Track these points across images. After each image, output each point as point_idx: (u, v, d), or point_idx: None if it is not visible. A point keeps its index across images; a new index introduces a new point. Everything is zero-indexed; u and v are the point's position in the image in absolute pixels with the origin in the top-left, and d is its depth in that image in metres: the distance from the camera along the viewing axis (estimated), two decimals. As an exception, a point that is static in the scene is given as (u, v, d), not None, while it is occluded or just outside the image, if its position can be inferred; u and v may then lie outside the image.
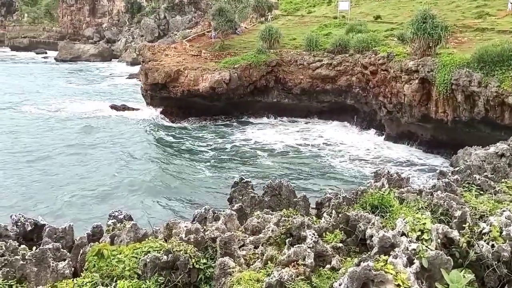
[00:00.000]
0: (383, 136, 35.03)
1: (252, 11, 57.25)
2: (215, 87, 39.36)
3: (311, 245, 5.88)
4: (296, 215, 7.42)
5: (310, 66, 40.30)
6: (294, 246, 5.88)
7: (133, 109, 44.44)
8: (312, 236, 6.00)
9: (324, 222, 6.86)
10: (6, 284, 5.69)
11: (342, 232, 6.71)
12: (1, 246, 6.35)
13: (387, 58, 33.70)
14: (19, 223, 7.51)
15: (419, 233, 5.28)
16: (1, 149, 31.13)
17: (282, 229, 6.63)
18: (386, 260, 4.74)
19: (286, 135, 36.66)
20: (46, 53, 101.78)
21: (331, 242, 6.40)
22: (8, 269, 5.90)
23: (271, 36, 41.94)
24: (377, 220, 6.35)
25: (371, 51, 36.42)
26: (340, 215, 7.01)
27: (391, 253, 4.89)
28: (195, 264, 5.85)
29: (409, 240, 5.06)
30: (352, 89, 38.70)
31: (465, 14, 41.08)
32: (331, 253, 6.03)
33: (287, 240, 6.34)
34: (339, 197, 8.13)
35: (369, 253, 5.50)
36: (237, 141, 35.03)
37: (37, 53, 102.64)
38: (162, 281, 5.68)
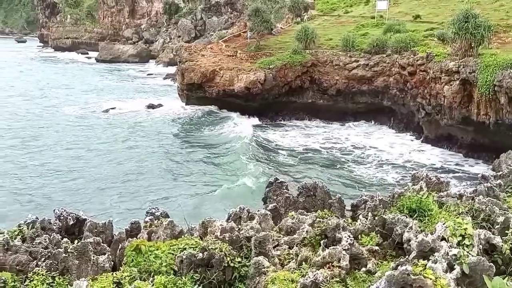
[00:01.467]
0: (421, 139, 34.19)
1: (288, 11, 57.12)
2: (250, 88, 39.52)
3: (346, 247, 5.83)
4: (331, 216, 7.35)
5: (346, 66, 39.84)
6: (329, 248, 5.84)
7: (169, 108, 45.19)
8: (348, 238, 5.94)
9: (360, 224, 6.78)
10: (49, 276, 5.91)
11: (378, 235, 6.61)
12: (45, 239, 6.61)
13: (426, 59, 32.89)
14: (61, 217, 7.78)
15: (460, 238, 5.13)
16: (48, 148, 32.09)
17: (317, 230, 6.59)
18: (425, 265, 4.63)
19: (320, 136, 36.38)
20: (87, 53, 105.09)
21: (367, 245, 6.31)
22: (51, 261, 6.13)
23: (307, 36, 41.72)
24: (415, 224, 6.22)
25: (410, 52, 35.65)
26: (376, 218, 6.91)
27: (430, 258, 4.78)
28: (230, 262, 5.90)
29: (450, 245, 4.93)
30: (389, 90, 37.98)
31: (509, 13, 39.55)
32: (366, 256, 5.96)
33: (322, 242, 6.30)
34: (375, 200, 8.00)
35: (406, 257, 5.39)
36: (271, 141, 35.04)
37: (78, 54, 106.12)
38: (198, 278, 5.76)
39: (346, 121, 40.42)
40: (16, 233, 7.08)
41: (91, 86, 61.70)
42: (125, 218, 15.60)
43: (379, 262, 6.00)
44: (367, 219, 6.93)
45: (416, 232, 5.90)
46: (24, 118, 41.82)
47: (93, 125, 39.29)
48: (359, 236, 6.55)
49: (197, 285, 5.69)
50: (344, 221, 7.10)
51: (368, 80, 39.09)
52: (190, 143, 34.25)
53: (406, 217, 6.67)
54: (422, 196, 7.42)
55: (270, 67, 40.10)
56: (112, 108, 45.43)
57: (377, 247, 6.28)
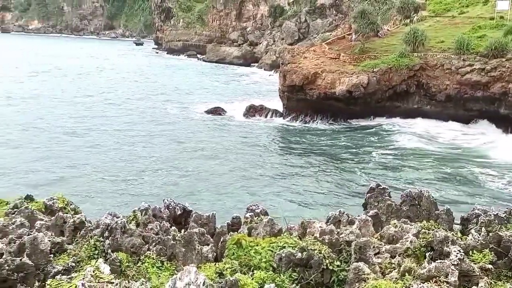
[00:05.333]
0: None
1: (397, 12, 54.95)
2: (352, 91, 38.76)
3: (455, 262, 5.46)
4: (438, 228, 6.94)
5: (458, 71, 37.30)
6: (436, 261, 5.52)
7: (269, 109, 45.86)
8: (457, 253, 5.56)
9: (471, 239, 6.30)
10: (158, 260, 6.38)
11: (492, 252, 6.09)
12: (156, 226, 7.12)
13: (554, 64, 29.56)
14: (170, 207, 8.31)
15: None
16: (162, 147, 33.97)
17: (422, 241, 6.27)
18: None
19: (426, 143, 34.47)
20: (196, 55, 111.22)
21: (479, 262, 5.85)
22: (161, 246, 6.59)
23: (415, 38, 39.84)
24: (537, 245, 5.62)
25: (534, 55, 32.34)
26: (490, 234, 6.38)
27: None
28: (328, 265, 5.85)
29: None
30: (508, 97, 34.78)
31: None
32: (478, 274, 5.52)
33: (427, 254, 5.98)
34: (490, 215, 7.38)
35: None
36: (372, 145, 34.03)
37: (188, 56, 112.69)
38: (296, 278, 5.80)
39: (455, 128, 37.79)
40: (131, 218, 7.72)
41: (196, 86, 65.05)
42: (227, 212, 16.20)
43: (492, 282, 5.53)
44: (479, 234, 6.42)
45: (539, 254, 5.33)
46: (133, 115, 45.19)
47: (196, 125, 41.22)
48: (470, 252, 6.09)
49: (294, 284, 5.73)
50: (452, 234, 6.66)
51: (483, 86, 36.22)
52: (293, 148, 34.15)
53: (526, 236, 6.07)
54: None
55: (374, 70, 38.96)
56: (215, 108, 47.33)
57: (490, 266, 5.79)
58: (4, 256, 5.45)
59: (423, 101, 39.64)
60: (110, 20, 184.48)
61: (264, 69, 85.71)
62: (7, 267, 5.42)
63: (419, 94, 39.60)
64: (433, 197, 9.05)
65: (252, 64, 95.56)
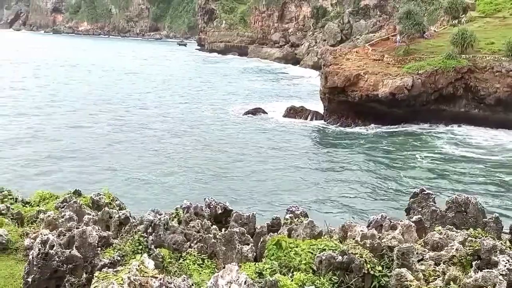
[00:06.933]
0: None
1: (444, 13, 53.28)
2: (395, 93, 37.93)
3: (504, 272, 5.25)
4: (486, 236, 6.69)
5: (510, 73, 35.78)
6: (483, 271, 5.33)
7: (310, 111, 45.54)
8: (507, 263, 5.35)
9: (521, 249, 6.04)
10: (199, 257, 6.50)
11: (544, 264, 5.80)
12: (198, 224, 7.26)
13: None
14: (211, 206, 8.44)
15: None
16: (202, 146, 34.30)
17: (469, 249, 6.07)
18: None
19: (473, 149, 33.23)
20: (236, 54, 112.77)
21: (530, 274, 5.59)
22: (202, 244, 6.72)
23: (464, 40, 38.52)
24: None
25: None
26: (542, 245, 6.09)
27: None
28: (370, 270, 5.77)
29: None
30: None
31: None
32: (528, 285, 5.28)
33: (473, 263, 5.79)
34: (542, 225, 7.05)
35: None
36: (415, 150, 33.15)
37: (230, 55, 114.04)
38: (336, 281, 5.75)
39: (506, 133, 36.24)
40: (173, 215, 7.91)
41: (237, 86, 65.55)
42: (266, 212, 16.26)
43: (544, 295, 5.28)
44: (530, 244, 6.14)
45: None
46: (176, 114, 46.04)
47: (236, 125, 41.51)
48: (520, 262, 5.83)
49: (334, 288, 5.69)
50: (501, 243, 6.40)
51: (536, 90, 34.55)
52: (333, 151, 33.74)
53: None
54: None
55: (419, 72, 37.97)
56: (255, 109, 47.50)
57: (542, 278, 5.52)
58: (54, 248, 5.71)
59: (470, 104, 38.25)
60: (155, 21, 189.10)
61: (307, 69, 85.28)
62: (57, 259, 5.68)
63: (467, 98, 38.24)
64: (480, 204, 8.74)
65: (294, 64, 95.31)
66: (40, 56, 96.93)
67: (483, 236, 6.71)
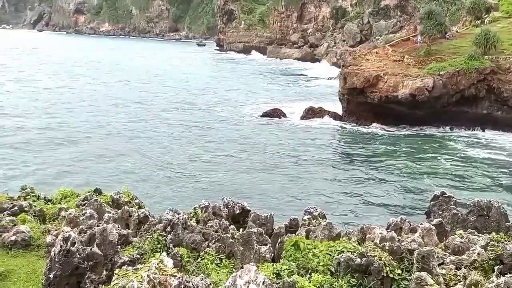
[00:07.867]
0: None
1: (466, 13, 52.36)
2: (416, 94, 37.43)
3: (528, 278, 5.13)
4: (509, 241, 6.56)
5: (534, 75, 34.95)
6: (506, 276, 5.22)
7: (329, 112, 45.26)
8: (531, 269, 5.22)
9: (546, 255, 5.89)
10: (217, 257, 6.53)
11: None
12: (216, 223, 7.29)
13: None
14: (229, 206, 8.47)
15: None
16: (220, 146, 34.42)
17: (491, 254, 5.95)
18: None
19: (495, 152, 32.57)
20: (256, 54, 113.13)
21: (555, 280, 5.46)
22: (220, 244, 6.74)
23: (487, 40, 37.78)
24: None
25: None
26: None
27: None
28: (389, 273, 5.71)
29: None
30: None
31: None
32: (553, 292, 5.15)
33: (496, 267, 5.68)
34: None
35: None
36: (436, 152, 32.65)
37: (249, 56, 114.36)
38: (354, 283, 5.71)
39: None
40: (192, 215, 7.96)
41: (256, 87, 65.62)
42: (284, 213, 16.20)
43: None
44: (556, 250, 5.99)
45: None
46: (194, 114, 46.38)
47: (254, 126, 41.49)
48: (545, 268, 5.70)
49: (353, 290, 5.64)
50: (525, 248, 6.26)
51: (561, 91, 33.70)
52: (352, 152, 33.43)
53: None
54: None
55: (441, 73, 37.39)
56: (274, 110, 47.37)
57: None
58: (76, 245, 5.81)
59: (493, 106, 37.50)
60: (175, 22, 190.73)
61: (325, 69, 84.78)
62: (78, 256, 5.77)
63: (489, 99, 37.50)
64: (503, 208, 8.58)
65: (312, 64, 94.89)
66: (72, 55, 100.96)
67: (506, 241, 6.58)
